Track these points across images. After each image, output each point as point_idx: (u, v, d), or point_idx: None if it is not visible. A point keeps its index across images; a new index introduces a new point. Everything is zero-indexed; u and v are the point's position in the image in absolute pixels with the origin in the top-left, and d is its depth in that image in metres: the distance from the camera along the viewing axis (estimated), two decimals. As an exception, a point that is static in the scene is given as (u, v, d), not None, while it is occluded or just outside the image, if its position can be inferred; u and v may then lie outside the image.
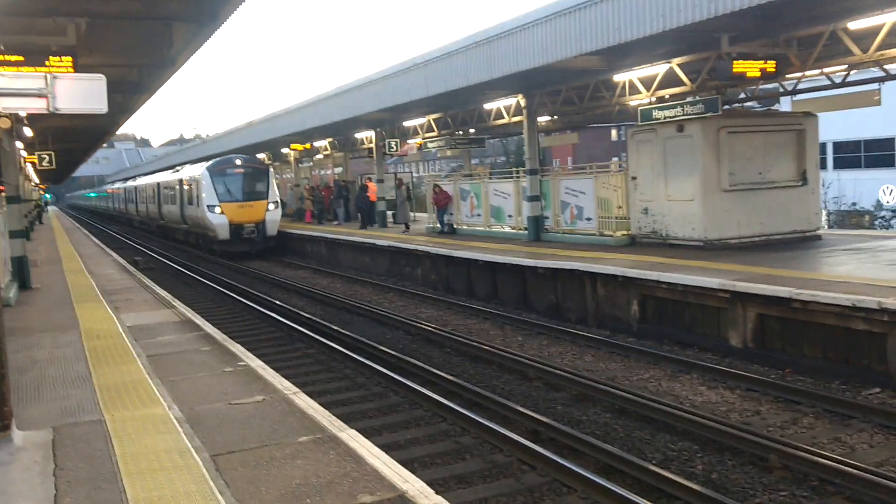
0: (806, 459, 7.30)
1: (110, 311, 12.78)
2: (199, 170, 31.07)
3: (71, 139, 29.13)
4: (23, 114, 15.82)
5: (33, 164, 27.57)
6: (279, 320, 15.67)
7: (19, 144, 20.29)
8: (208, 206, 29.07)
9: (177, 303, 13.70)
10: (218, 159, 31.10)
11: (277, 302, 18.23)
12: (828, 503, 6.70)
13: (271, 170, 32.73)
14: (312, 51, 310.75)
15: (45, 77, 6.82)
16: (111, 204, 73.86)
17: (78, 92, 6.94)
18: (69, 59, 10.18)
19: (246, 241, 29.43)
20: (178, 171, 37.28)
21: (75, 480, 5.43)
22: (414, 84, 19.68)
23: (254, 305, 17.58)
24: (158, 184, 40.14)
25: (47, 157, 25.92)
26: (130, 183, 56.64)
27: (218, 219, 28.95)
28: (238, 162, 30.39)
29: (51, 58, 10.10)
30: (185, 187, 32.44)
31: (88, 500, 5.08)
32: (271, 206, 29.86)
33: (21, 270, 16.03)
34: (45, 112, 7.01)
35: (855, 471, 6.93)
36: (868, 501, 6.64)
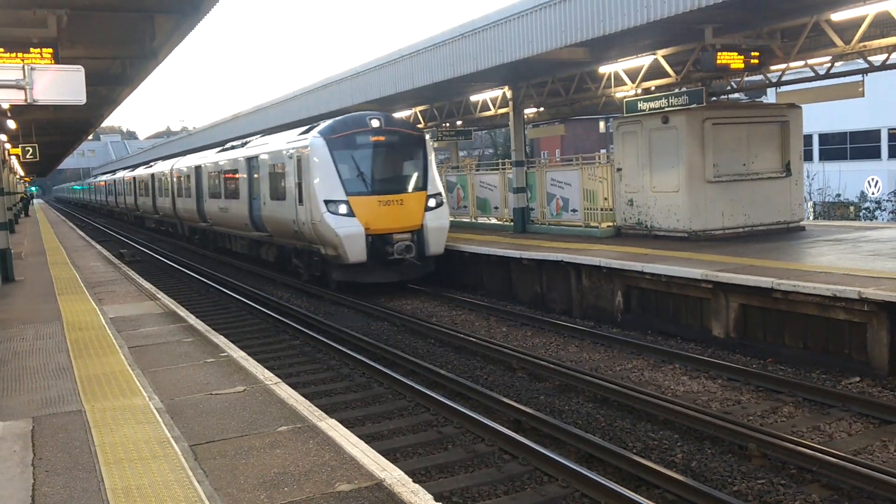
0: (784, 448, 7.36)
1: (93, 303, 12.74)
2: (298, 139, 18.20)
3: (55, 131, 28.95)
4: (5, 105, 15.75)
5: (17, 156, 27.38)
6: (264, 312, 15.64)
7: (3, 137, 20.19)
8: (326, 204, 16.57)
9: (160, 294, 13.67)
10: (336, 120, 18.07)
11: (263, 293, 18.19)
12: (805, 490, 6.76)
13: (428, 138, 18.85)
14: (299, 42, 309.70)
15: (24, 68, 6.78)
16: (105, 197, 59.73)
17: (56, 83, 6.90)
18: (50, 50, 10.12)
19: (393, 265, 17.00)
20: (232, 147, 25.22)
21: (54, 470, 5.43)
22: (400, 76, 19.64)
23: (239, 297, 17.54)
24: (198, 168, 27.18)
25: (31, 150, 25.73)
26: (142, 170, 41.28)
27: (346, 226, 16.39)
28: (375, 123, 17.52)
29: (31, 49, 10.05)
30: (267, 170, 19.91)
31: (66, 490, 5.09)
32: (432, 203, 17.52)
33: (4, 263, 15.98)
34: (24, 103, 6.96)
35: (832, 459, 7.00)
36: (844, 489, 6.71)
